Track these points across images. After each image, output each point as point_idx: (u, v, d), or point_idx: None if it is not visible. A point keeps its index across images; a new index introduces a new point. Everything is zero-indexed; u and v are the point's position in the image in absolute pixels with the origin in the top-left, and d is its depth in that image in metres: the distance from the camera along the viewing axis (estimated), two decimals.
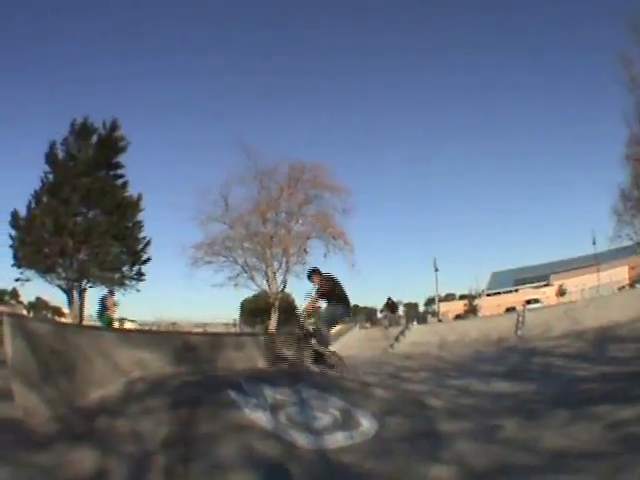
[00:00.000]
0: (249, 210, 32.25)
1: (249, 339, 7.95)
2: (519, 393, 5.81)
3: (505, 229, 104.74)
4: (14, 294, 55.51)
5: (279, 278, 32.33)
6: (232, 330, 37.16)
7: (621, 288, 34.01)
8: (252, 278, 32.31)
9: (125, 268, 30.47)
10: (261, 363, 6.83)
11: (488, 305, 46.55)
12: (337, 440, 3.85)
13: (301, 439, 3.79)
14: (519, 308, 35.65)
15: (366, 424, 4.20)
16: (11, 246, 28.59)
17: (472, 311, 46.79)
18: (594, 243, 40.98)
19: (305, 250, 32.22)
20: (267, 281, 32.40)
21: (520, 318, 17.20)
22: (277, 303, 32.49)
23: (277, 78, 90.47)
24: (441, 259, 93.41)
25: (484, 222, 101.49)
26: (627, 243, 29.97)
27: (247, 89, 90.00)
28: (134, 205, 30.57)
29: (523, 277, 54.32)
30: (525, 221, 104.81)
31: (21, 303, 56.10)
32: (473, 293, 54.66)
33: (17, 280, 29.16)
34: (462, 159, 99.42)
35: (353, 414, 4.41)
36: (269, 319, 33.13)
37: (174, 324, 37.99)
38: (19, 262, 28.40)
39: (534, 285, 50.04)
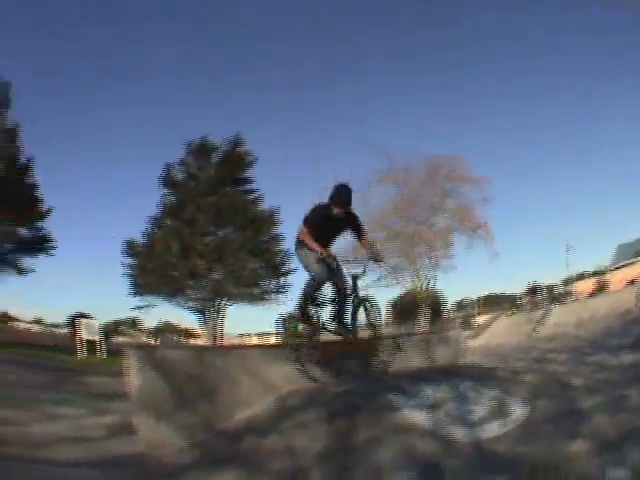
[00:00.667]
0: (388, 211, 31.99)
1: (403, 340, 7.63)
2: None
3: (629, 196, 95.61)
4: (133, 324, 56.12)
5: (426, 275, 32.30)
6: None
7: None
8: (397, 279, 32.30)
9: (265, 283, 30.44)
10: (417, 363, 7.00)
11: (616, 280, 43.25)
12: (493, 429, 4.23)
13: (459, 433, 4.14)
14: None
15: (517, 410, 4.60)
16: (129, 275, 29.07)
17: (602, 288, 43.82)
18: None
19: (449, 244, 31.76)
20: (413, 280, 32.45)
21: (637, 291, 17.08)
22: (426, 301, 32.52)
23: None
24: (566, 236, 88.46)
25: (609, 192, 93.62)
26: None
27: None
28: (268, 219, 30.40)
29: None
30: None
31: (142, 331, 56.86)
32: (602, 269, 51.24)
33: (138, 308, 29.95)
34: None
35: (506, 402, 4.82)
36: (418, 318, 32.99)
37: None
38: (139, 290, 28.94)
39: None
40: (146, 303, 29.61)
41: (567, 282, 49.40)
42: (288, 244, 29.37)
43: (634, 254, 48.86)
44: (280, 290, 30.63)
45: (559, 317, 22.77)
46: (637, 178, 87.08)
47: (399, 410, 4.55)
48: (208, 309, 29.20)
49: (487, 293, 61.42)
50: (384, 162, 31.14)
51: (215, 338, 28.67)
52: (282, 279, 30.75)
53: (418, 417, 4.44)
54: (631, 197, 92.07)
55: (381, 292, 31.90)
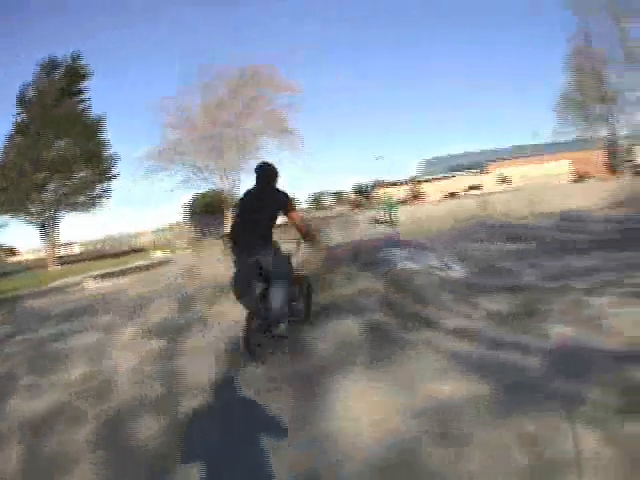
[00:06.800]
0: (199, 113, 33.07)
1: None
2: (521, 249, 8.75)
3: (436, 115, 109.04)
4: None
5: (233, 177, 34.11)
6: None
7: (578, 180, 39.31)
8: (205, 179, 34.20)
9: (96, 189, 32.58)
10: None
11: (430, 191, 49.92)
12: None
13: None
14: (462, 193, 39.66)
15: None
16: None
17: (416, 197, 50.01)
18: (535, 135, 44.64)
19: (258, 147, 33.88)
20: (220, 180, 34.16)
21: (483, 200, 19.47)
22: (231, 200, 34.04)
23: None
24: (376, 146, 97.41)
25: (415, 108, 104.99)
26: (567, 139, 36.67)
27: None
28: (97, 126, 32.43)
29: (456, 164, 55.38)
30: (457, 107, 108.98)
31: None
32: (412, 179, 57.69)
33: None
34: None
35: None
36: (222, 217, 35.02)
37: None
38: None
39: (471, 172, 52.20)
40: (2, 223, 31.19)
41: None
42: (114, 149, 33.49)
43: (449, 169, 55.67)
44: (105, 195, 33.35)
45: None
46: (441, 101, 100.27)
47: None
48: (48, 222, 30.61)
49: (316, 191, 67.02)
50: (198, 67, 33.22)
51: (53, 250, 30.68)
52: (107, 184, 33.38)
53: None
54: (440, 117, 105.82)
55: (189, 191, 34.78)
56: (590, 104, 35.13)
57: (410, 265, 6.75)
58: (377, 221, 23.19)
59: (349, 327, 4.93)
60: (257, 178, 4.68)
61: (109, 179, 33.23)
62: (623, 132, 36.15)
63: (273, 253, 4.57)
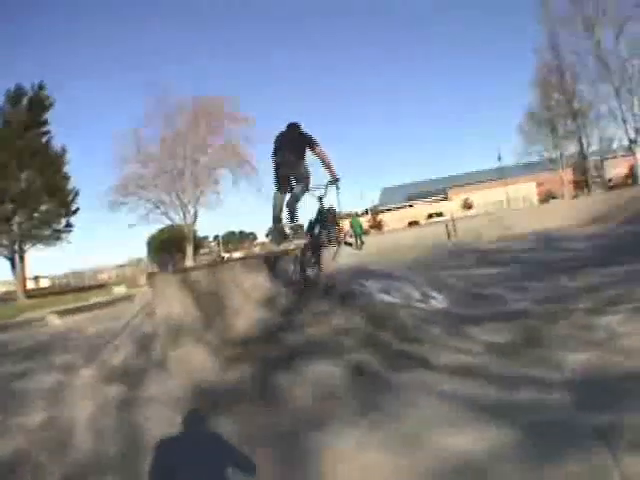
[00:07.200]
0: (158, 147, 33.24)
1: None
2: (501, 273, 8.39)
3: (395, 146, 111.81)
4: None
5: (191, 211, 34.10)
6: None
7: (545, 201, 38.89)
8: (165, 213, 33.96)
9: (61, 223, 32.35)
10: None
11: (390, 220, 49.92)
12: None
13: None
14: (422, 221, 39.86)
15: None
16: None
17: (377, 226, 50.04)
18: (499, 159, 43.70)
19: (215, 180, 34.23)
20: (180, 215, 34.08)
21: (449, 226, 19.06)
22: (191, 234, 34.59)
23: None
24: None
25: (374, 139, 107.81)
26: (533, 159, 35.83)
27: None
28: (60, 158, 32.17)
29: (416, 192, 55.57)
30: (415, 138, 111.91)
31: None
32: (372, 209, 57.81)
33: None
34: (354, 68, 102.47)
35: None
36: (183, 252, 35.09)
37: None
38: None
39: (431, 200, 52.50)
40: None
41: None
42: (74, 183, 32.96)
43: (406, 198, 55.83)
44: (68, 230, 32.83)
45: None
46: (395, 131, 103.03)
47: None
48: (14, 255, 30.15)
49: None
50: (158, 100, 32.60)
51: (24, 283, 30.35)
52: (69, 218, 32.98)
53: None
54: (393, 147, 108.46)
55: (149, 226, 34.66)
56: (558, 121, 34.13)
57: (388, 298, 6.20)
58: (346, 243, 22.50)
59: (331, 371, 4.29)
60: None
61: (73, 213, 33.00)
62: (592, 147, 34.68)
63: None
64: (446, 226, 18.44)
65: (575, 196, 34.40)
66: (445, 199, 51.01)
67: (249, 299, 6.66)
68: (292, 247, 7.13)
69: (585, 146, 34.22)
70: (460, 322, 5.14)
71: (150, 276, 8.05)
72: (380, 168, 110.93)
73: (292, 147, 5.83)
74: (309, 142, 5.85)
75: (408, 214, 48.55)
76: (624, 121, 30.12)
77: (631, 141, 30.22)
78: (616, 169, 38.73)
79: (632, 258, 7.19)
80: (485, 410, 3.09)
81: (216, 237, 62.48)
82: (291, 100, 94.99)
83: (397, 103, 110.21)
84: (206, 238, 61.71)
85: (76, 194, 33.05)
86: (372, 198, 68.01)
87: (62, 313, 16.15)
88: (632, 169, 33.55)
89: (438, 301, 6.36)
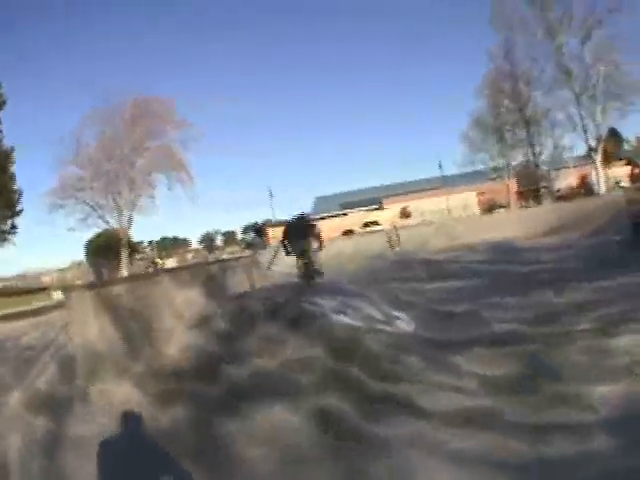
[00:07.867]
0: (96, 149, 31.97)
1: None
2: (464, 287, 7.75)
3: (329, 152, 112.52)
4: None
5: (127, 215, 32.89)
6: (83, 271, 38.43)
7: (487, 211, 36.96)
8: (102, 217, 32.69)
9: (7, 224, 31.03)
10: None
11: (324, 228, 48.93)
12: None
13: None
14: (358, 230, 39.38)
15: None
16: None
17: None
18: (440, 167, 41.96)
19: (151, 184, 33.00)
20: (115, 219, 32.84)
21: (392, 236, 18.96)
22: (126, 239, 33.47)
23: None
24: (270, 184, 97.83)
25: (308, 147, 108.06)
26: (477, 167, 35.29)
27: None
28: (8, 157, 30.92)
29: (350, 201, 53.81)
30: (350, 146, 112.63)
31: None
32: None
33: None
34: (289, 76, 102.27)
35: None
36: (118, 257, 33.68)
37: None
38: None
39: (365, 209, 50.83)
40: None
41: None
42: (19, 182, 31.80)
43: (339, 207, 55.00)
44: (12, 231, 31.35)
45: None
46: (327, 141, 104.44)
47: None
48: None
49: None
50: (96, 101, 33.04)
51: None
52: (13, 220, 31.45)
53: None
54: (328, 157, 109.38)
55: (90, 229, 33.91)
56: (506, 128, 32.92)
57: (347, 320, 5.29)
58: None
59: (288, 420, 3.31)
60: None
61: (17, 214, 31.53)
62: (542, 157, 33.17)
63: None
64: (388, 235, 17.86)
65: (522, 206, 33.70)
66: (379, 208, 50.55)
67: (181, 320, 5.72)
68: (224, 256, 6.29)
69: (537, 155, 33.06)
70: (437, 349, 4.31)
71: (65, 292, 6.94)
72: (313, 177, 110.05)
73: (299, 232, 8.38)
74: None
75: (343, 223, 47.86)
76: (584, 130, 29.09)
77: (591, 149, 29.33)
78: (567, 180, 38.24)
79: (616, 271, 6.62)
80: (503, 471, 2.27)
81: (150, 242, 60.07)
82: (225, 106, 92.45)
83: (331, 110, 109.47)
84: (141, 243, 59.48)
85: (20, 195, 31.82)
86: (303, 207, 67.40)
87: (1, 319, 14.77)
88: (585, 180, 33.49)
89: (404, 322, 5.53)
